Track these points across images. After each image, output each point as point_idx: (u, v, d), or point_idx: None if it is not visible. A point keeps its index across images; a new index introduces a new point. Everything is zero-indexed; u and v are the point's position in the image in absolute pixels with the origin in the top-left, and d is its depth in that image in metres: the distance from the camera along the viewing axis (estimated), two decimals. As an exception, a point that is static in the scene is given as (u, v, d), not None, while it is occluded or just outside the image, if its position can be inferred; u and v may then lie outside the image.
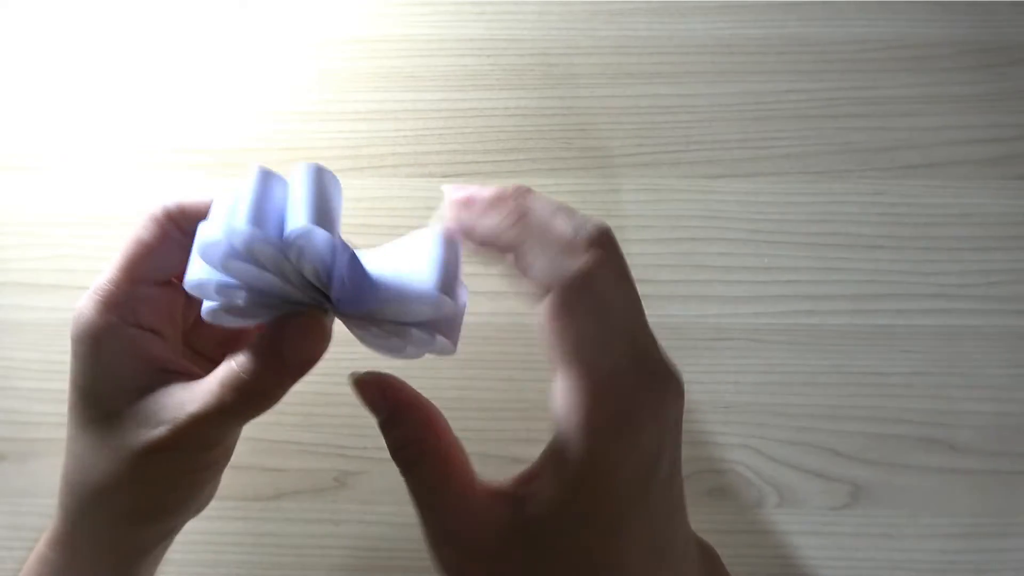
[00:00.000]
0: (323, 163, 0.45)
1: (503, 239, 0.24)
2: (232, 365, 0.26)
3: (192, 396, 0.26)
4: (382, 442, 0.42)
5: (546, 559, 0.23)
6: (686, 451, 0.41)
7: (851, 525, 0.40)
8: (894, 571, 0.39)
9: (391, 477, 0.40)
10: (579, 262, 0.23)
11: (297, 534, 0.40)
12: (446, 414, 0.41)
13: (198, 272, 0.25)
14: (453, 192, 0.26)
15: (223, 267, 0.24)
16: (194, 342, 0.31)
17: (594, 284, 0.23)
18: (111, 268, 0.28)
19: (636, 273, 0.43)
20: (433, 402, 0.42)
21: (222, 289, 0.25)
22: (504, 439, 0.41)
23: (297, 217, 0.23)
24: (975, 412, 0.41)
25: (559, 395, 0.24)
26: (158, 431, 0.26)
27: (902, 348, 0.42)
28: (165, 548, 0.32)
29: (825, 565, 0.39)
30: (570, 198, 0.44)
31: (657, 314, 0.38)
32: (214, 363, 0.28)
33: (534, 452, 0.41)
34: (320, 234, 0.23)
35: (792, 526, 0.40)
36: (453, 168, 0.45)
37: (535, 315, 0.24)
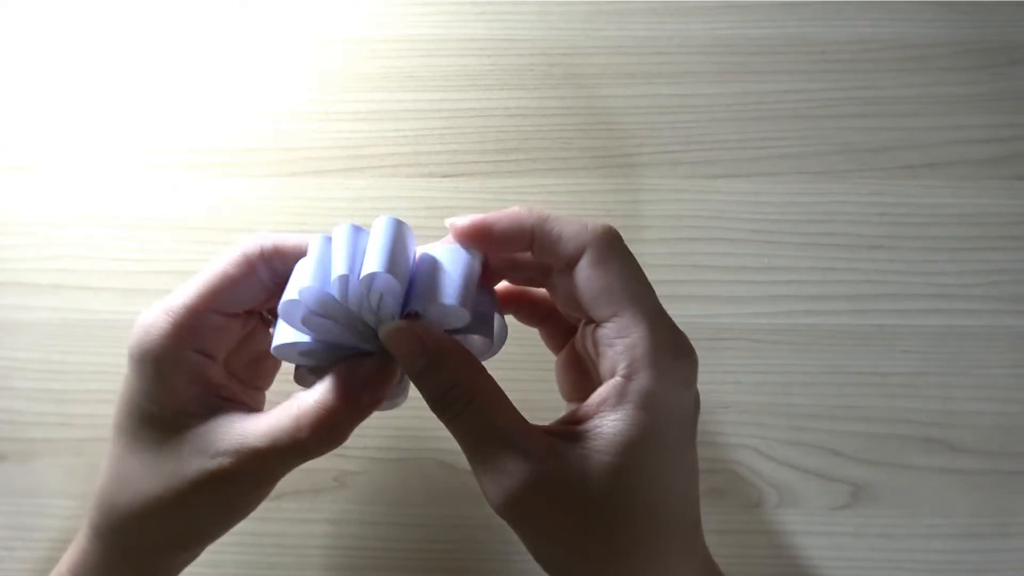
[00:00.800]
0: (323, 163, 0.46)
1: (526, 223, 0.27)
2: (308, 401, 0.27)
3: (256, 428, 0.27)
4: (382, 442, 0.43)
5: (622, 484, 0.24)
6: (686, 451, 0.41)
7: (851, 525, 0.40)
8: (894, 571, 0.39)
9: (391, 477, 0.41)
10: (604, 225, 0.27)
11: (297, 534, 0.40)
12: (446, 414, 0.41)
13: (284, 337, 0.27)
14: (459, 220, 0.28)
15: (303, 323, 0.26)
16: (229, 364, 0.31)
17: (621, 240, 0.27)
18: (189, 293, 0.28)
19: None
20: (433, 402, 0.42)
21: (305, 351, 0.27)
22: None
23: (371, 264, 0.25)
24: (975, 412, 0.41)
25: (613, 336, 0.26)
26: (220, 461, 0.27)
27: (902, 348, 0.42)
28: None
29: (825, 565, 0.40)
30: (570, 198, 0.44)
31: (657, 314, 0.38)
32: (243, 383, 0.30)
33: (534, 452, 0.41)
34: (387, 279, 0.25)
35: (792, 526, 0.40)
36: (453, 168, 0.45)
37: (572, 277, 0.27)
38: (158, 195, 0.44)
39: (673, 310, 0.42)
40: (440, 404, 0.26)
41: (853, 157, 0.44)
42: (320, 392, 0.27)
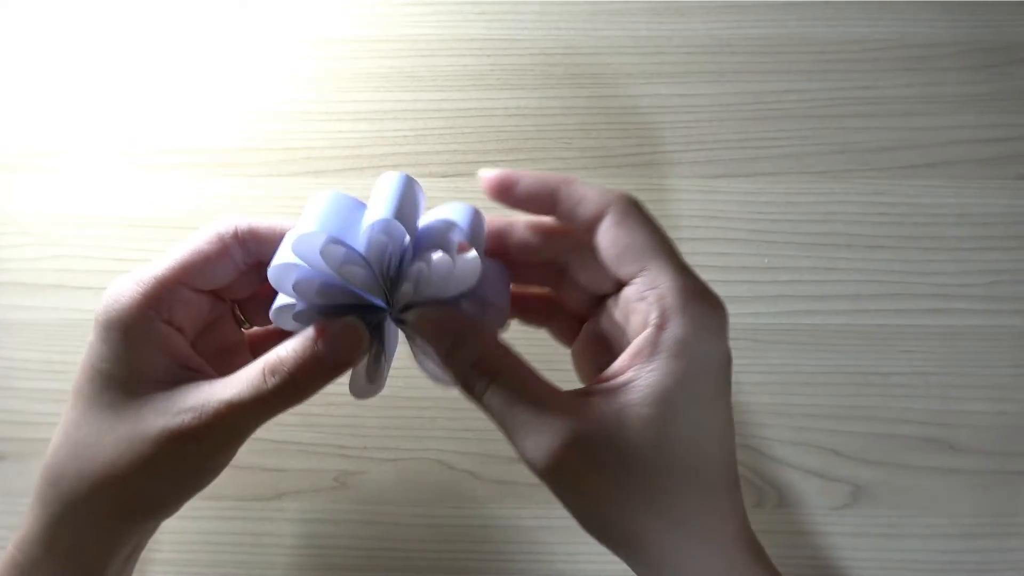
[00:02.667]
0: (323, 163, 0.46)
1: (550, 181, 0.28)
2: (275, 355, 0.27)
3: (222, 386, 0.27)
4: (382, 442, 0.43)
5: (661, 437, 0.25)
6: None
7: (851, 525, 0.40)
8: (894, 571, 0.39)
9: (391, 477, 0.41)
10: (624, 191, 0.28)
11: (297, 534, 0.40)
12: (449, 414, 0.41)
13: (284, 258, 0.27)
14: (489, 171, 0.29)
15: (321, 253, 0.26)
16: (196, 347, 0.31)
17: (642, 204, 0.28)
18: (161, 266, 0.29)
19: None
20: (432, 402, 0.42)
21: (300, 283, 0.27)
22: (504, 439, 0.41)
23: (379, 211, 0.26)
24: (975, 412, 0.41)
25: (643, 289, 0.26)
26: (183, 417, 0.27)
27: (902, 348, 0.42)
28: (136, 555, 0.32)
29: (825, 565, 0.39)
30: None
31: (657, 314, 0.38)
32: (214, 370, 0.29)
33: (534, 452, 0.41)
34: (397, 227, 0.26)
35: (792, 526, 0.40)
36: (453, 168, 0.45)
37: (595, 241, 0.27)
38: (158, 195, 0.44)
39: (673, 310, 0.42)
40: (470, 380, 0.26)
41: (853, 157, 0.44)
42: (288, 348, 0.27)
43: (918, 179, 0.44)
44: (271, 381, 0.27)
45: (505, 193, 0.28)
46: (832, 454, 0.41)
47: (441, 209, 0.28)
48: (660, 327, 0.25)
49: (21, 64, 0.47)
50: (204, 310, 0.30)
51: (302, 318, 0.28)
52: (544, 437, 0.25)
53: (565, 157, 0.45)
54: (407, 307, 0.28)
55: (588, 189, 0.27)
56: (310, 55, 0.46)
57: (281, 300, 0.28)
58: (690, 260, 0.43)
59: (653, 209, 0.44)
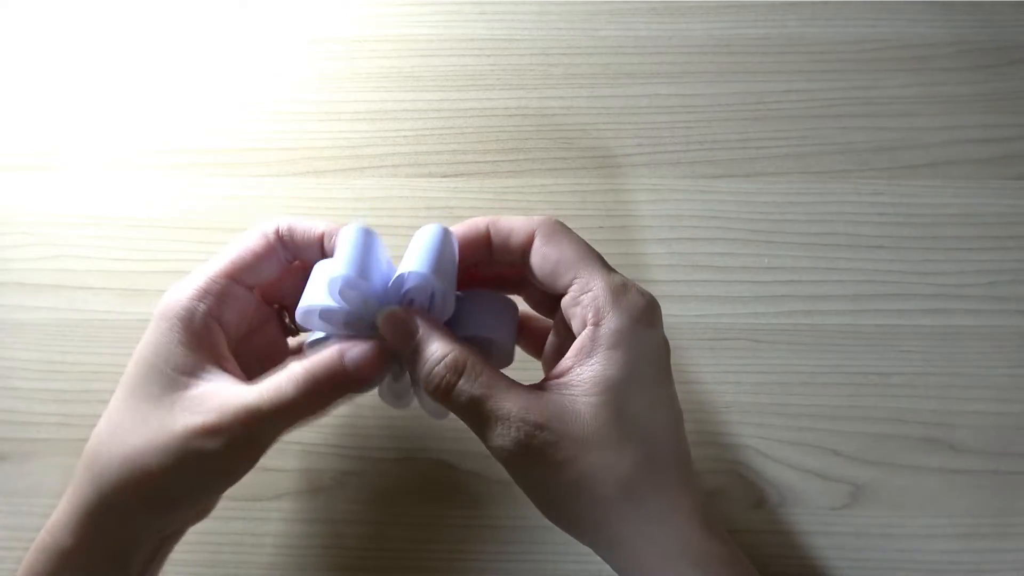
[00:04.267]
0: (323, 163, 0.46)
1: (479, 224, 0.31)
2: (300, 366, 0.28)
3: (246, 392, 0.28)
4: (382, 442, 0.43)
5: (610, 421, 0.26)
6: (686, 451, 0.41)
7: (851, 525, 0.40)
8: (894, 571, 0.39)
9: (391, 477, 0.41)
10: (544, 215, 0.30)
11: (297, 534, 0.40)
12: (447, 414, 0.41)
13: (313, 299, 0.29)
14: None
15: (340, 294, 0.28)
16: (239, 351, 0.32)
17: (563, 224, 0.30)
18: (215, 267, 0.31)
19: (636, 273, 0.44)
20: (433, 402, 0.42)
21: (326, 314, 0.29)
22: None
23: (418, 265, 0.28)
24: (975, 412, 0.41)
25: (577, 295, 0.28)
26: (204, 417, 0.28)
27: (902, 348, 0.42)
28: (163, 556, 0.32)
29: (825, 565, 0.39)
30: (570, 198, 0.44)
31: (657, 314, 0.38)
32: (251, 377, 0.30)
33: (534, 452, 0.41)
34: (432, 280, 0.28)
35: (792, 526, 0.40)
36: (453, 168, 0.45)
37: (529, 264, 0.30)
38: (158, 195, 0.44)
39: (673, 310, 0.42)
40: (432, 382, 0.28)
41: (853, 157, 0.44)
42: (314, 360, 0.28)
43: (918, 179, 0.44)
44: (294, 390, 0.28)
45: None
46: (832, 454, 0.41)
47: (418, 240, 0.30)
48: (596, 324, 0.27)
49: (21, 64, 0.47)
50: (250, 310, 0.32)
51: (329, 320, 0.30)
52: (503, 430, 0.27)
53: (565, 157, 0.45)
54: None
55: (514, 220, 0.30)
56: (310, 55, 0.46)
57: (308, 300, 0.30)
58: (690, 260, 0.43)
59: (653, 209, 0.44)
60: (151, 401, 0.28)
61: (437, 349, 0.28)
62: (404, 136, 0.45)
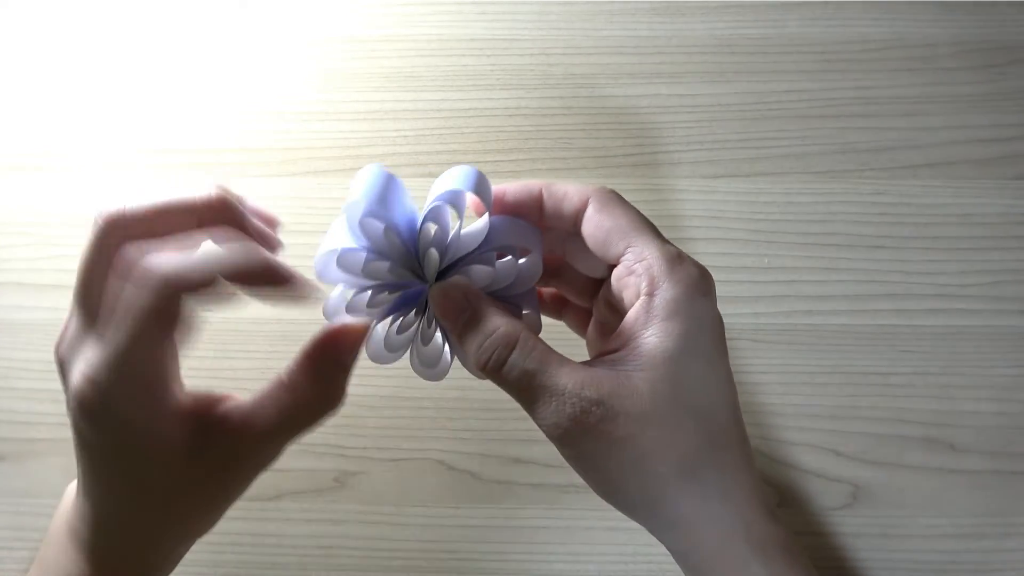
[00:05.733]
0: (323, 163, 0.46)
1: (533, 186, 0.29)
2: (294, 363, 0.27)
3: (250, 407, 0.27)
4: (382, 442, 0.42)
5: (668, 396, 0.25)
6: (686, 451, 0.41)
7: (851, 525, 0.40)
8: (894, 571, 0.39)
9: (391, 477, 0.41)
10: (598, 185, 0.29)
11: (297, 534, 0.40)
12: (446, 414, 0.41)
13: (331, 243, 0.27)
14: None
15: (360, 225, 0.27)
16: None
17: (618, 194, 0.29)
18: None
19: (636, 273, 0.42)
20: (433, 402, 0.42)
21: (345, 260, 0.27)
22: (504, 439, 0.41)
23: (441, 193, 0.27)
24: (975, 412, 0.41)
25: (632, 264, 0.27)
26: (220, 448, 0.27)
27: (902, 348, 0.42)
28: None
29: (825, 565, 0.39)
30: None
31: (657, 314, 0.38)
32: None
33: (534, 452, 0.41)
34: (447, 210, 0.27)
35: (792, 526, 0.40)
36: (453, 168, 0.45)
37: (581, 231, 0.29)
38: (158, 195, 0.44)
39: (673, 310, 0.42)
40: (483, 357, 0.27)
41: (853, 157, 0.44)
42: (305, 348, 0.27)
43: (918, 179, 0.44)
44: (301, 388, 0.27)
45: (496, 207, 0.29)
46: (832, 454, 0.41)
47: (446, 180, 0.28)
48: (651, 294, 0.26)
49: (21, 64, 0.47)
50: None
51: (346, 265, 0.28)
52: (558, 406, 0.25)
53: (565, 157, 0.45)
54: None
55: (568, 186, 0.29)
56: (310, 55, 0.46)
57: (329, 244, 0.27)
58: (690, 260, 0.43)
59: (653, 209, 0.44)
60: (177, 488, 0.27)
61: (490, 322, 0.27)
62: (404, 136, 0.45)
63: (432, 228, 0.27)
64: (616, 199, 0.29)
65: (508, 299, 0.29)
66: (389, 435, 0.41)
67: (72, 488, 0.29)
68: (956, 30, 0.46)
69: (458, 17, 0.47)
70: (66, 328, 0.27)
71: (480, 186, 0.27)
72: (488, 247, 0.28)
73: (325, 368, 0.27)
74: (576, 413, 0.25)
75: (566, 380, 0.26)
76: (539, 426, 0.27)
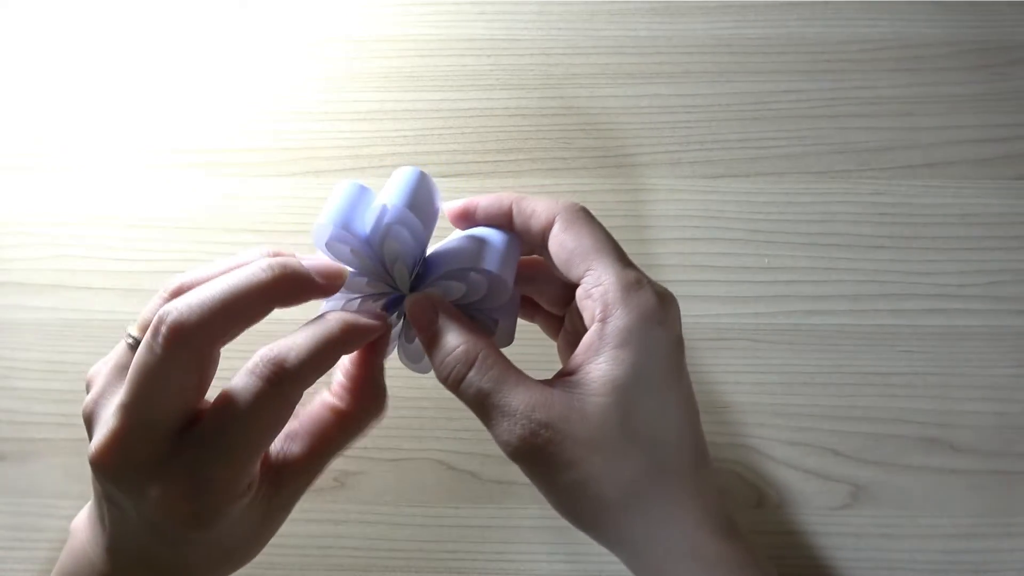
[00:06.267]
0: (323, 163, 0.46)
1: (504, 200, 0.30)
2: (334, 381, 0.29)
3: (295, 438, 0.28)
4: (382, 442, 0.42)
5: (616, 422, 0.26)
6: (686, 451, 0.41)
7: (851, 525, 0.40)
8: (894, 571, 0.39)
9: (391, 477, 0.41)
10: (570, 200, 0.30)
11: (297, 534, 0.40)
12: (446, 414, 0.41)
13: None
14: (451, 203, 0.31)
15: (327, 247, 0.28)
16: None
17: (588, 211, 0.30)
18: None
19: (636, 273, 0.42)
20: (432, 402, 0.42)
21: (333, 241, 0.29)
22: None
23: (395, 201, 0.28)
24: (975, 412, 0.41)
25: (590, 287, 0.28)
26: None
27: (902, 348, 0.42)
28: None
29: (825, 565, 0.39)
30: (570, 198, 0.44)
31: (657, 314, 0.38)
32: None
33: (534, 452, 0.41)
34: (412, 219, 0.28)
35: (792, 526, 0.40)
36: (453, 168, 0.45)
37: (548, 248, 0.29)
38: (158, 195, 0.44)
39: (673, 310, 0.42)
40: (442, 373, 0.28)
41: (853, 157, 0.44)
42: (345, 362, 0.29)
43: (918, 179, 0.44)
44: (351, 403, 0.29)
45: (468, 218, 0.31)
46: (832, 454, 0.41)
47: (393, 186, 0.29)
48: (604, 320, 0.27)
49: (21, 64, 0.47)
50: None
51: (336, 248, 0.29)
52: (509, 426, 0.26)
53: (565, 157, 0.45)
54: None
55: (537, 202, 0.30)
56: (310, 55, 0.46)
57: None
58: (690, 260, 0.43)
59: (653, 209, 0.44)
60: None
61: (451, 339, 0.27)
62: (404, 136, 0.45)
63: (393, 244, 0.28)
64: (582, 218, 0.29)
65: (483, 311, 0.30)
66: (389, 435, 0.41)
67: (81, 524, 0.29)
68: (955, 30, 0.46)
69: (458, 17, 0.47)
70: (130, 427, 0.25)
71: (418, 193, 0.28)
72: (463, 264, 0.29)
73: (368, 374, 0.29)
74: (525, 434, 0.26)
75: (519, 401, 0.26)
76: (495, 440, 0.27)
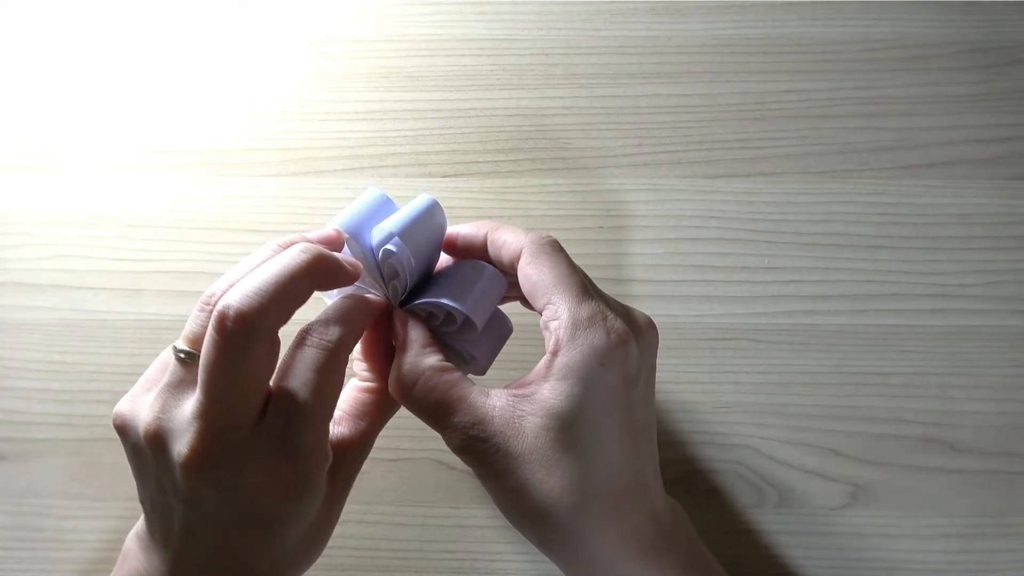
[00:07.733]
0: (323, 163, 0.46)
1: (479, 230, 0.32)
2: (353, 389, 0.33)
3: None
4: (382, 442, 0.42)
5: (547, 444, 0.28)
6: (687, 451, 0.41)
7: (851, 525, 0.40)
8: (894, 571, 0.39)
9: (391, 477, 0.41)
10: (543, 233, 0.32)
11: (297, 534, 0.40)
12: (446, 414, 0.41)
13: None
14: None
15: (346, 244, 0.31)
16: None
17: (556, 243, 0.31)
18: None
19: (636, 273, 0.44)
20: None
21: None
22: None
23: (390, 226, 0.30)
24: (975, 412, 0.41)
25: (548, 320, 0.29)
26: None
27: (902, 348, 0.42)
28: None
29: (825, 565, 0.40)
30: (570, 198, 0.44)
31: (657, 314, 0.38)
32: None
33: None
34: (400, 246, 0.30)
35: (792, 526, 0.40)
36: (453, 168, 0.45)
37: (517, 270, 0.31)
38: (158, 195, 0.44)
39: (673, 310, 0.42)
40: (393, 386, 0.30)
41: (853, 157, 0.44)
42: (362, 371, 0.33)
43: (918, 179, 0.44)
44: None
45: (450, 248, 0.33)
46: (832, 454, 0.41)
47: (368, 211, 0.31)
48: (554, 353, 0.29)
49: (21, 64, 0.47)
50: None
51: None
52: (449, 438, 0.29)
53: (565, 157, 0.45)
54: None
55: (508, 234, 0.32)
56: (310, 55, 0.46)
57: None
58: (690, 260, 0.43)
59: (653, 209, 0.44)
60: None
61: (409, 353, 0.30)
62: (404, 136, 0.45)
63: (391, 265, 0.30)
64: (547, 251, 0.31)
65: (466, 341, 0.32)
66: (389, 435, 0.41)
67: (133, 545, 0.31)
68: (955, 30, 0.46)
69: (458, 17, 0.47)
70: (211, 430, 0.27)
71: (422, 222, 0.31)
72: (440, 296, 0.31)
73: (383, 353, 0.32)
74: (463, 446, 0.29)
75: (460, 418, 0.29)
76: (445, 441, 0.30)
